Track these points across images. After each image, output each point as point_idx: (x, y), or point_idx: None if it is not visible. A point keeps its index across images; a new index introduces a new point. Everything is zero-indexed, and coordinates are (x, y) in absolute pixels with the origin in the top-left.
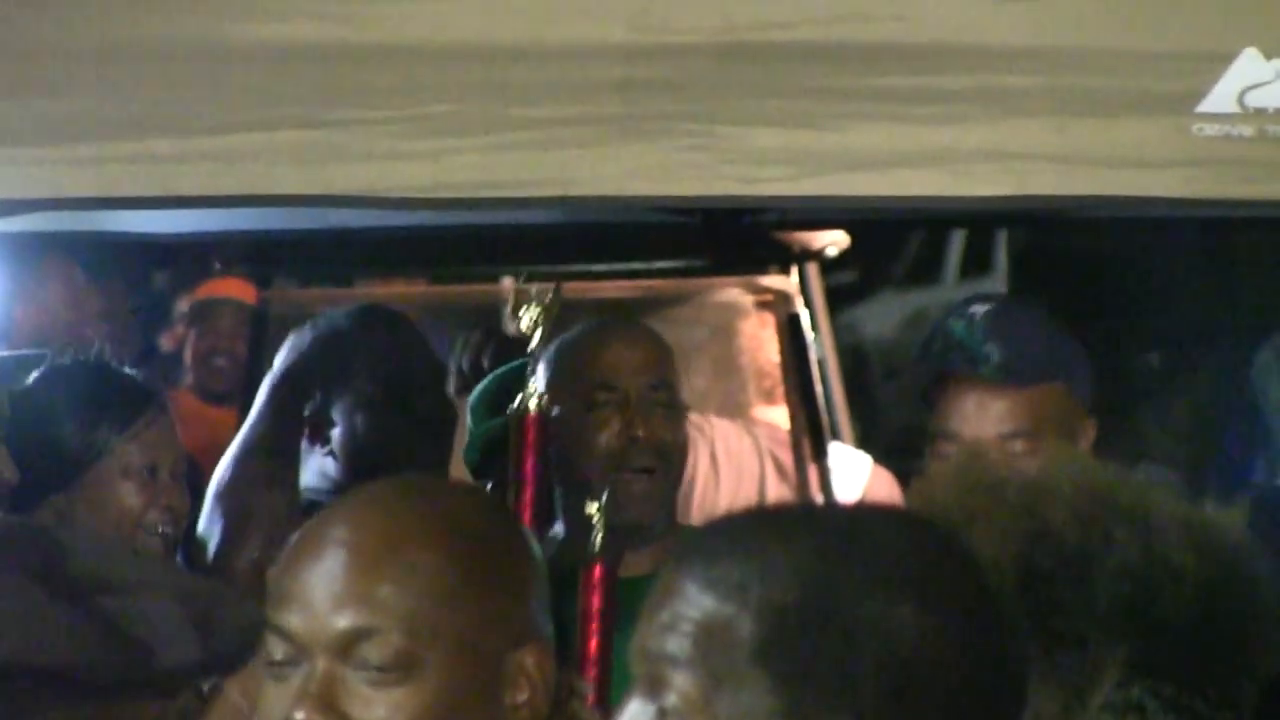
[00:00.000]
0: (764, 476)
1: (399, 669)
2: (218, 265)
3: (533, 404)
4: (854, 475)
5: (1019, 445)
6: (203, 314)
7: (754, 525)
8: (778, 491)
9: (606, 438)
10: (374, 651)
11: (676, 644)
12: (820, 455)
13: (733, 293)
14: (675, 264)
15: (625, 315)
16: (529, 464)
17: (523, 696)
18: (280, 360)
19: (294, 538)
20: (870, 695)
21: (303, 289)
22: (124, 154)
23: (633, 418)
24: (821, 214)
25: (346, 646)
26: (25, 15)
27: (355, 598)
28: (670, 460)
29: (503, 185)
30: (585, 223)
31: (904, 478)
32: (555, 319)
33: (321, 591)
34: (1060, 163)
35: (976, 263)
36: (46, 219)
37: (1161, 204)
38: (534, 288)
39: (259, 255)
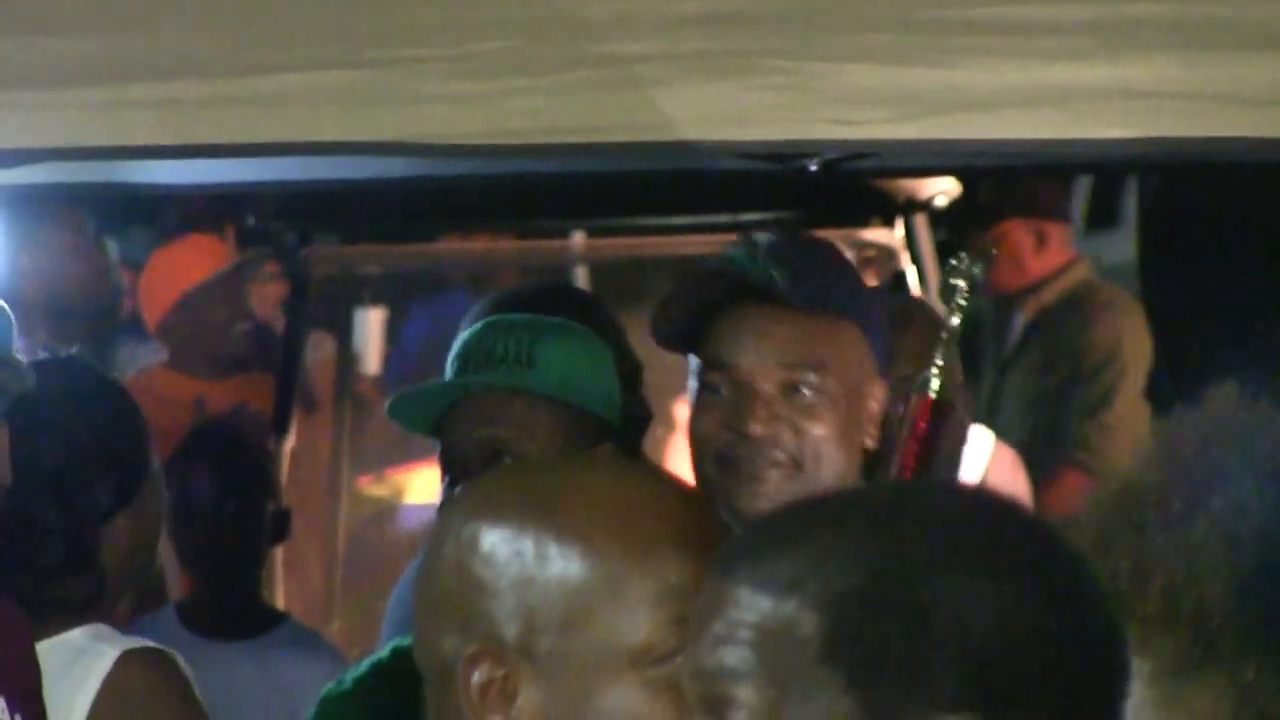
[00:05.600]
0: None
1: None
2: (250, 220)
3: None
4: (975, 453)
5: (804, 378)
6: None
7: (799, 516)
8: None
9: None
10: None
11: (735, 655)
12: None
13: None
14: (765, 216)
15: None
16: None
17: None
18: None
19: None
20: (950, 679)
21: (345, 245)
22: (144, 98)
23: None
24: (928, 160)
25: None
26: None
27: None
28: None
29: (568, 130)
30: (663, 171)
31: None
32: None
33: None
34: (1193, 101)
35: (1103, 215)
36: (55, 168)
37: None
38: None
39: (295, 209)
